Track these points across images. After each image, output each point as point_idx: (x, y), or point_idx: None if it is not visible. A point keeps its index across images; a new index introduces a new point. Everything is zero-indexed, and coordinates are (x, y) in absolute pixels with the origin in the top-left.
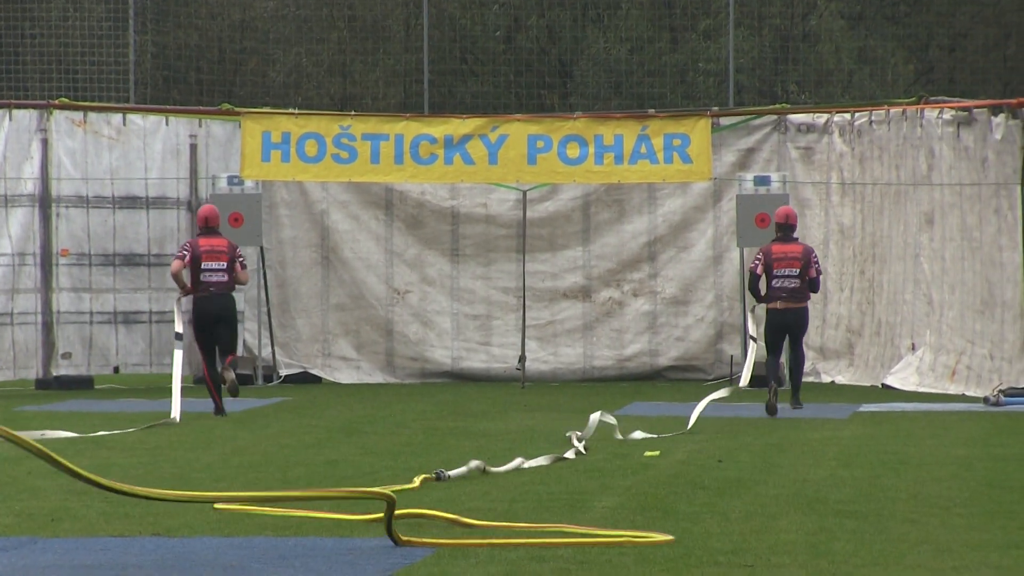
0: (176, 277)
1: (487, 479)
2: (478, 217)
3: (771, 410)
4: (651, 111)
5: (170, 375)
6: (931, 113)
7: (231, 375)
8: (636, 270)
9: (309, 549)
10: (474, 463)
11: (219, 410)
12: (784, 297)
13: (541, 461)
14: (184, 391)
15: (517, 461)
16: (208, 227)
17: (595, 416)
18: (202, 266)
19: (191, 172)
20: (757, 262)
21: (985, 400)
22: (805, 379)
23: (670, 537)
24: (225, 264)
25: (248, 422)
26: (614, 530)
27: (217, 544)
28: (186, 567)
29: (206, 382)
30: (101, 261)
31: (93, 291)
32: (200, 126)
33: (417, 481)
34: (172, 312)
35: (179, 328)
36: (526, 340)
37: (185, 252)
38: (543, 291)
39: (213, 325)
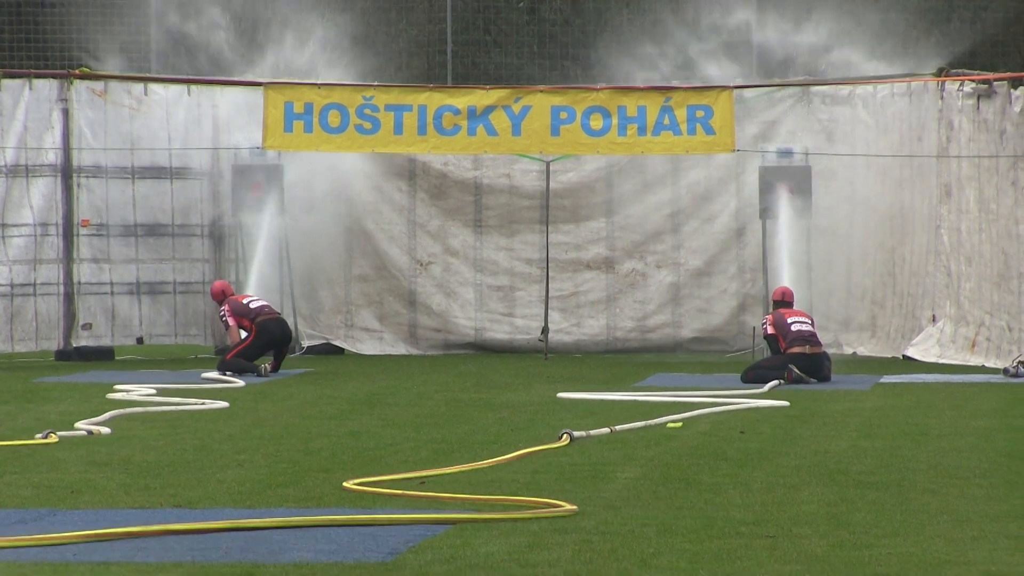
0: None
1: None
2: (501, 188)
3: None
4: (674, 83)
5: (195, 345)
6: (952, 86)
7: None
8: (659, 242)
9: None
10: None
11: (260, 371)
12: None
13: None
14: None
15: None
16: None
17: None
18: (245, 301)
19: (213, 143)
20: (766, 323)
21: (1004, 371)
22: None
23: (574, 507)
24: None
25: (270, 393)
26: (524, 498)
27: (238, 516)
28: (206, 537)
29: (239, 365)
30: (121, 232)
31: (112, 262)
32: (222, 96)
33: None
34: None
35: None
36: (549, 311)
37: (224, 311)
38: (566, 262)
39: (278, 346)
